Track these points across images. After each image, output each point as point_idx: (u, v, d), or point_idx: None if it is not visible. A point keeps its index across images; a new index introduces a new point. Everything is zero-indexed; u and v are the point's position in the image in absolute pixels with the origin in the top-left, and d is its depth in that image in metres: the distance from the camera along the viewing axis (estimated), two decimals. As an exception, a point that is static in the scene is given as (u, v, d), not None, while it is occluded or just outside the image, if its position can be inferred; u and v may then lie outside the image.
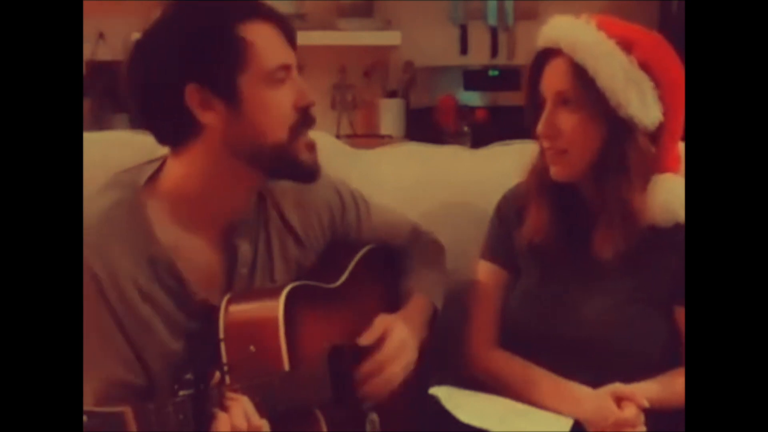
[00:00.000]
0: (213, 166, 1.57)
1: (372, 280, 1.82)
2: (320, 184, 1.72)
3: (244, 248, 1.65)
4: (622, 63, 1.73)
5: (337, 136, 2.65)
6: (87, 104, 3.58)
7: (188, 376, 1.40)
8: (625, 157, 1.75)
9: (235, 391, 1.44)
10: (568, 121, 1.76)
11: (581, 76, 1.74)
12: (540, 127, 1.78)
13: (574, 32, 1.75)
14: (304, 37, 4.23)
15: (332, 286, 1.71)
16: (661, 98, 1.75)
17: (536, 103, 1.81)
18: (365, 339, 1.66)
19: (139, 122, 1.60)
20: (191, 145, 1.57)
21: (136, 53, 1.57)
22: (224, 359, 1.52)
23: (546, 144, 1.80)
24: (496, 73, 3.94)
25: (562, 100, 1.76)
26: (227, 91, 1.53)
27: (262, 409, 1.45)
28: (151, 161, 1.65)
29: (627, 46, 1.74)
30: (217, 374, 1.44)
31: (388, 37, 3.90)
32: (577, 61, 1.73)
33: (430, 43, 4.01)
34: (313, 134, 2.32)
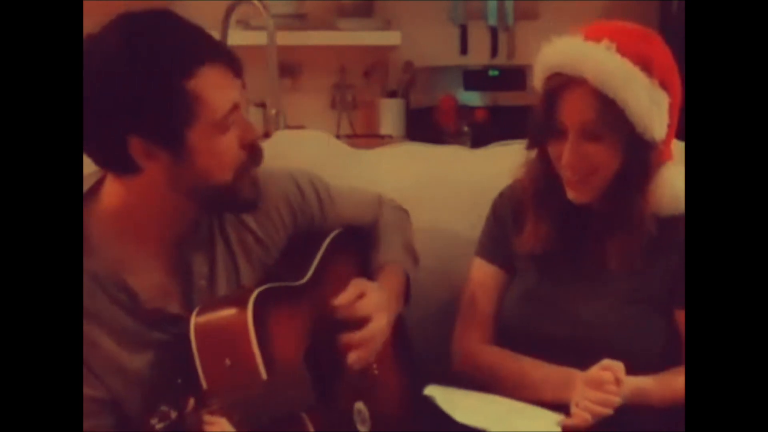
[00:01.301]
0: (154, 198, 1.53)
1: (343, 267, 1.77)
2: (275, 177, 1.70)
3: (198, 260, 1.61)
4: (647, 89, 1.71)
5: (337, 136, 2.65)
6: (87, 104, 3.57)
7: (163, 408, 1.36)
8: (646, 175, 1.75)
9: (213, 413, 1.40)
10: (593, 150, 1.73)
11: (609, 106, 1.70)
12: (566, 157, 1.74)
13: (600, 62, 1.70)
14: (304, 37, 4.22)
15: (301, 282, 1.66)
16: (670, 105, 1.75)
17: (551, 128, 1.76)
18: (341, 299, 1.64)
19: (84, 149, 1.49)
20: (131, 177, 1.52)
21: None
22: (202, 379, 1.48)
23: (570, 174, 1.76)
24: (496, 73, 3.94)
25: (588, 132, 1.73)
26: (173, 144, 1.48)
27: (245, 425, 1.42)
28: (91, 175, 1.59)
29: (647, 67, 1.71)
30: (191, 401, 1.39)
31: (388, 37, 3.90)
32: (605, 92, 1.69)
33: (430, 43, 4.01)
34: (314, 134, 2.33)
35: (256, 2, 2.93)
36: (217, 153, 1.51)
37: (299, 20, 3.80)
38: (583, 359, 1.77)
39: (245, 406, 1.44)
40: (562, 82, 1.73)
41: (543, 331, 1.84)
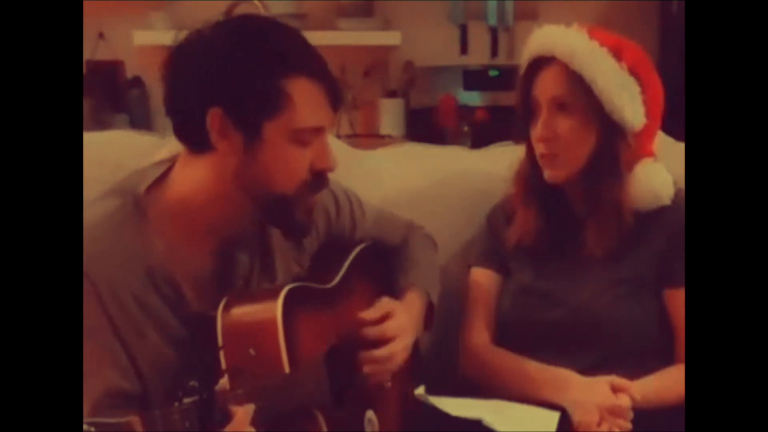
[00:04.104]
0: (219, 184, 1.56)
1: (367, 278, 1.82)
2: None
3: (243, 260, 1.65)
4: (614, 69, 1.80)
5: (337, 136, 2.65)
6: (87, 104, 3.58)
7: (192, 383, 1.38)
8: (617, 159, 1.82)
9: (237, 396, 1.43)
10: (564, 124, 1.81)
11: (577, 82, 1.80)
12: (538, 131, 1.83)
13: (568, 41, 1.82)
14: (304, 37, 4.14)
15: (328, 286, 1.71)
16: (645, 102, 1.82)
17: (528, 109, 1.86)
18: (369, 314, 1.68)
19: (167, 112, 1.57)
20: (205, 154, 1.55)
21: (179, 52, 1.54)
22: (224, 364, 1.51)
23: (542, 147, 1.84)
24: (496, 73, 3.95)
25: (559, 105, 1.82)
26: (249, 130, 1.52)
27: (263, 413, 1.45)
28: (154, 165, 1.63)
29: (617, 53, 1.81)
30: (222, 380, 1.44)
31: (388, 37, 3.90)
32: (574, 68, 1.79)
33: (430, 43, 4.01)
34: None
35: (256, 2, 2.94)
36: (285, 160, 1.54)
37: (299, 20, 3.80)
38: (578, 345, 1.82)
39: (266, 395, 1.47)
40: (536, 64, 1.85)
41: (538, 322, 1.87)
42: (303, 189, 1.57)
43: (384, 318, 1.69)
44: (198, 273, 1.61)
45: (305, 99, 1.53)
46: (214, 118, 1.51)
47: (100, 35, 3.80)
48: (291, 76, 1.52)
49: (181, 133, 1.57)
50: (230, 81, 1.50)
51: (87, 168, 1.46)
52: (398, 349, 1.69)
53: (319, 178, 1.59)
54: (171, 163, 1.62)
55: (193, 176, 1.57)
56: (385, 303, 1.72)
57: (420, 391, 1.74)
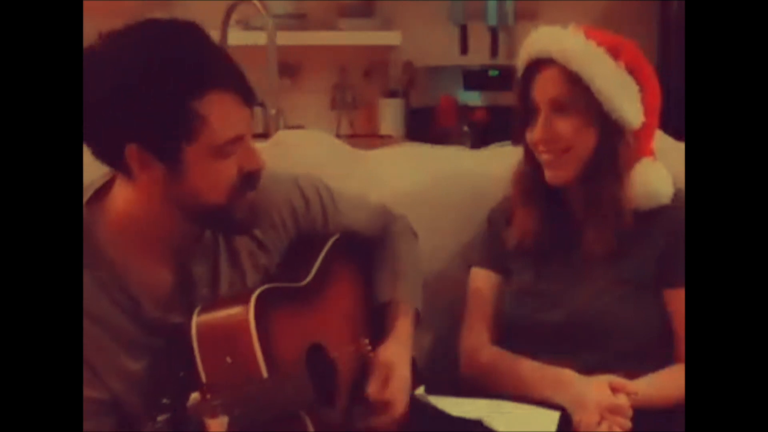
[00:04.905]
0: (148, 205, 1.54)
1: (342, 270, 1.79)
2: (280, 183, 1.71)
3: (201, 270, 1.62)
4: (612, 69, 1.81)
5: (337, 136, 2.65)
6: (87, 104, 3.58)
7: (165, 400, 1.37)
8: (617, 158, 1.82)
9: (214, 408, 1.41)
10: (563, 126, 1.81)
11: (576, 83, 1.80)
12: (538, 133, 1.83)
13: (565, 42, 1.81)
14: (304, 37, 4.20)
15: (302, 284, 1.68)
16: (643, 101, 1.83)
17: (527, 111, 1.86)
18: (374, 387, 1.65)
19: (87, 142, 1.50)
20: (132, 179, 1.52)
21: (85, 79, 1.44)
22: (202, 376, 1.49)
23: (542, 149, 1.84)
24: (496, 73, 3.95)
25: (557, 107, 1.82)
26: (170, 158, 1.48)
27: (245, 420, 1.43)
28: (99, 178, 1.60)
29: (614, 52, 1.82)
30: (193, 395, 1.40)
31: (388, 37, 3.90)
32: (572, 69, 1.79)
33: (430, 43, 4.01)
34: (314, 134, 2.33)
35: (256, 2, 2.93)
36: (211, 176, 1.51)
37: (299, 20, 3.80)
38: (578, 345, 1.82)
39: (246, 403, 1.45)
40: (534, 66, 1.84)
41: (538, 322, 1.87)
42: (235, 193, 1.53)
43: (386, 379, 1.66)
44: (154, 283, 1.58)
45: (220, 114, 1.48)
46: (131, 153, 1.47)
47: (100, 35, 3.80)
48: (202, 95, 1.47)
49: (101, 160, 1.53)
50: (141, 113, 1.45)
51: (87, 168, 1.46)
52: (400, 405, 1.66)
53: (249, 178, 1.55)
54: (111, 177, 1.58)
55: (127, 196, 1.55)
56: (383, 365, 1.68)
57: (420, 391, 1.73)
